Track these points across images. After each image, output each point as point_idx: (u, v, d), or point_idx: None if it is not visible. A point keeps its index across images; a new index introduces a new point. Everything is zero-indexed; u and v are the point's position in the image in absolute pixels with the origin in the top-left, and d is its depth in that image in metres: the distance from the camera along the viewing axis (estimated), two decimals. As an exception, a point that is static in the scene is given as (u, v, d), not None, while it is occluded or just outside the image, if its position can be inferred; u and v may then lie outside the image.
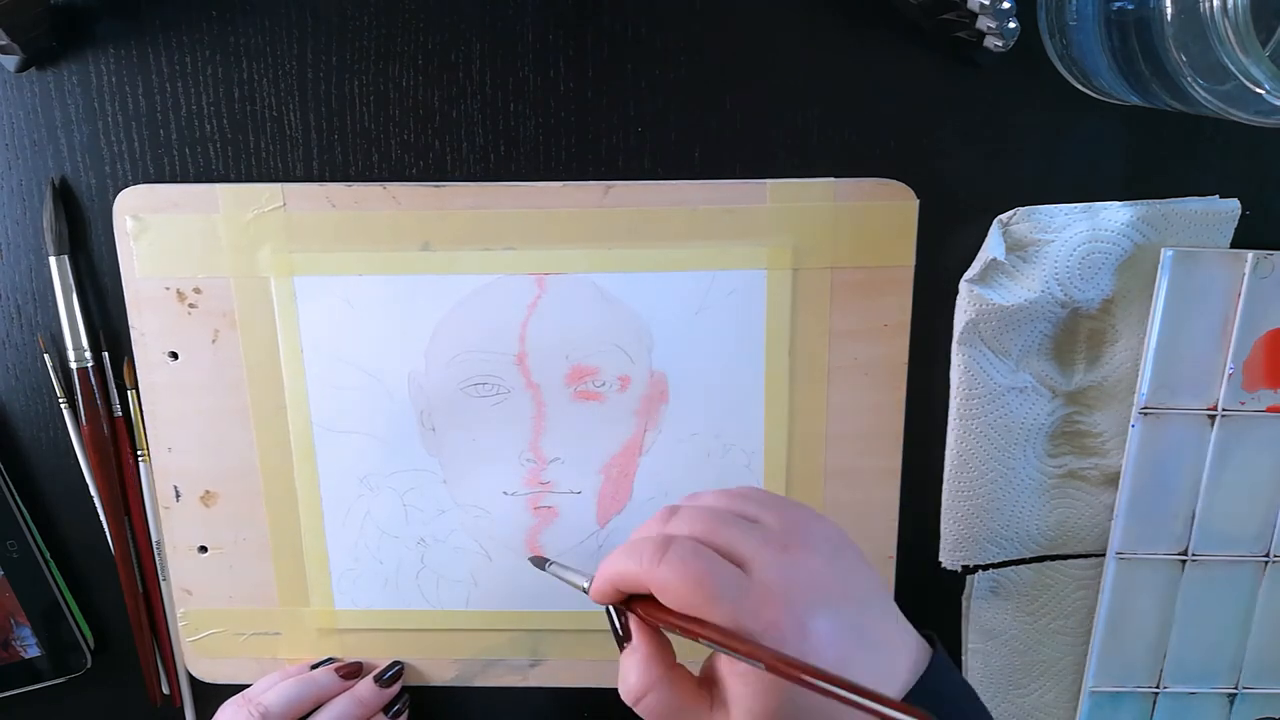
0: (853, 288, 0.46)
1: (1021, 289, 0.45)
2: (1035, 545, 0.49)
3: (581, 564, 0.42)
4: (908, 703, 0.30)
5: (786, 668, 0.30)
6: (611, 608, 0.37)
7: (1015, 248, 0.45)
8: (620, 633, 0.36)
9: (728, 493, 0.39)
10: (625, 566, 0.35)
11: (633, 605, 0.37)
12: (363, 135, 0.46)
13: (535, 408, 0.48)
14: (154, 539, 0.51)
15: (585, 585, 0.39)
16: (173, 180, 0.46)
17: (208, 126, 0.46)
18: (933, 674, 0.34)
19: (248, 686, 0.49)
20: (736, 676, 0.33)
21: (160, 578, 0.51)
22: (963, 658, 0.51)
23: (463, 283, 0.47)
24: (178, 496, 0.50)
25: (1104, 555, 0.48)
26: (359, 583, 0.51)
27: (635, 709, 0.36)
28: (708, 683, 0.35)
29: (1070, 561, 0.50)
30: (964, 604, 0.51)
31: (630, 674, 0.35)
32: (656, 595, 0.34)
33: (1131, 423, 0.46)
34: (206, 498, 0.50)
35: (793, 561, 0.34)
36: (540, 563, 0.44)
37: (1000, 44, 0.40)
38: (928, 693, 0.33)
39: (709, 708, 0.34)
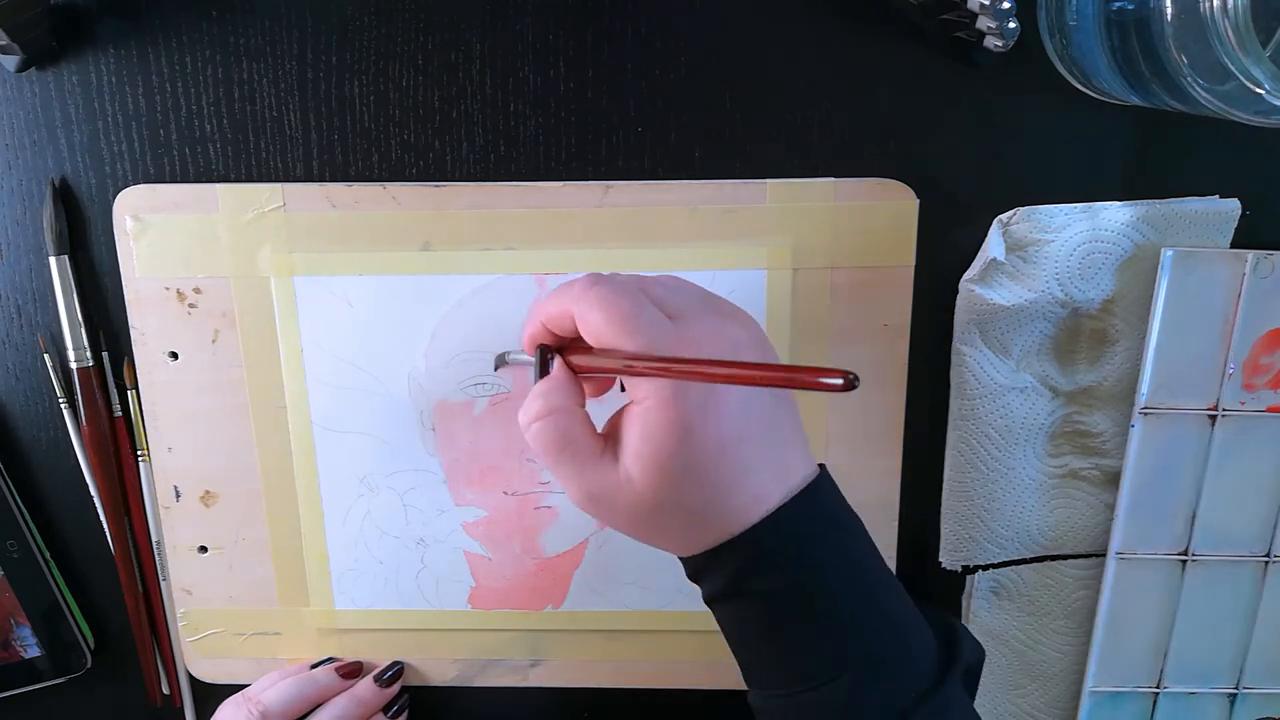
0: (853, 288, 0.46)
1: (1021, 289, 0.45)
2: (1035, 545, 0.49)
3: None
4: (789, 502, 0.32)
5: (695, 368, 0.31)
6: (540, 347, 0.37)
7: (1015, 248, 0.45)
8: (541, 370, 0.37)
9: (671, 275, 0.39)
10: (556, 298, 0.35)
11: (563, 354, 0.37)
12: (363, 135, 0.46)
13: (535, 408, 0.48)
14: (154, 539, 0.51)
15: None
16: (173, 180, 0.46)
17: (208, 126, 0.46)
18: (821, 484, 0.35)
19: (248, 686, 0.49)
20: (634, 422, 0.34)
21: (160, 578, 0.51)
22: (963, 658, 0.51)
23: (463, 283, 0.47)
24: (178, 496, 0.50)
25: (1104, 555, 0.48)
26: (359, 583, 0.51)
27: (528, 434, 0.36)
28: (607, 437, 0.36)
29: (1070, 561, 0.50)
30: (964, 604, 0.51)
31: (536, 399, 0.36)
32: (579, 324, 0.35)
33: (1132, 423, 0.46)
34: (206, 498, 0.50)
35: (724, 327, 0.34)
36: (499, 361, 0.44)
37: (1000, 44, 0.40)
38: (810, 499, 0.34)
39: (601, 451, 0.35)
